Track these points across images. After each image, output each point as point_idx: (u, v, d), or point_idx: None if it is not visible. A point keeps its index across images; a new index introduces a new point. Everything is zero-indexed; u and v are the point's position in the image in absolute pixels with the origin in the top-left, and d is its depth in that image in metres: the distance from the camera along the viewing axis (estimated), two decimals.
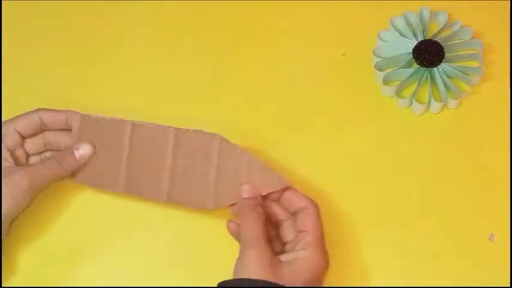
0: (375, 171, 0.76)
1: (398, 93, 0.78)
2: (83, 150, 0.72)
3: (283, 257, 0.64)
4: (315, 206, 0.68)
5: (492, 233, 0.73)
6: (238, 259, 0.64)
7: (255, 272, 0.61)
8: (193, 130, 0.70)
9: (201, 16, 0.84)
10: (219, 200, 0.70)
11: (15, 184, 0.67)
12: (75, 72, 0.82)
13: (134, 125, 0.72)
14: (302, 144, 0.77)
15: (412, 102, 0.78)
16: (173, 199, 0.71)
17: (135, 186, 0.72)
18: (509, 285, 0.70)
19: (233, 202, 0.69)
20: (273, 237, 0.69)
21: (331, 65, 0.81)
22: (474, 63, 0.79)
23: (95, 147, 0.72)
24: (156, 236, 0.74)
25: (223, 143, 0.70)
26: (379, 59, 0.80)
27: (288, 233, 0.69)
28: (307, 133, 0.78)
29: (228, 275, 0.64)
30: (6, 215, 0.67)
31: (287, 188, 0.69)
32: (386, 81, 0.79)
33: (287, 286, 0.61)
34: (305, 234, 0.66)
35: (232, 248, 0.67)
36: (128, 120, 0.72)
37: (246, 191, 0.68)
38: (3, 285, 0.70)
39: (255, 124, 0.79)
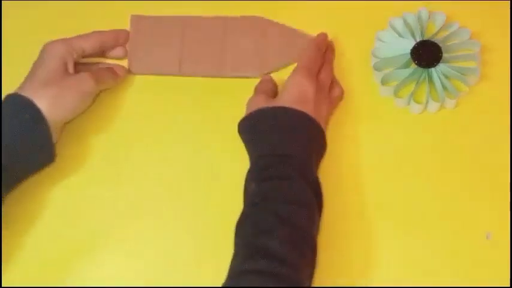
0: (373, 171, 0.76)
1: (396, 93, 0.79)
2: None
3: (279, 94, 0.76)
4: (314, 45, 0.80)
5: (489, 232, 0.73)
6: (248, 101, 0.77)
7: (260, 104, 0.74)
8: (241, 16, 0.82)
9: None
10: (263, 69, 0.80)
11: (84, 81, 0.75)
12: None
13: (186, 18, 0.82)
14: None
15: (410, 102, 0.79)
16: (224, 73, 0.80)
17: (190, 67, 0.81)
18: (509, 285, 0.71)
19: (275, 69, 0.80)
20: None
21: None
22: (471, 64, 0.80)
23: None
24: (157, 236, 0.75)
25: (268, 22, 0.81)
26: (378, 60, 0.80)
27: None
28: None
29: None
30: (70, 111, 0.75)
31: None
32: (384, 82, 0.79)
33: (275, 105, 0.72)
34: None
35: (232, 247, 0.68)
36: (179, 16, 0.82)
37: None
38: (3, 285, 0.71)
39: None
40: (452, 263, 0.72)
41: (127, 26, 0.83)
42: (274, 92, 0.78)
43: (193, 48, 0.81)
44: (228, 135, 0.77)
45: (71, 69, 0.76)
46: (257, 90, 0.78)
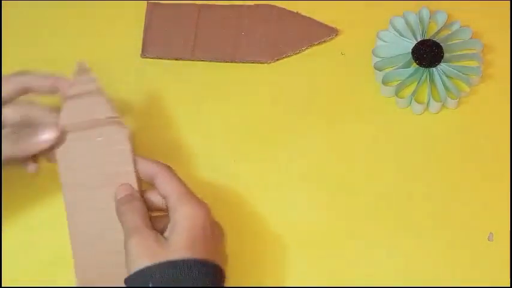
0: (374, 171, 0.76)
1: (397, 93, 0.78)
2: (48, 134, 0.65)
3: (167, 232, 0.61)
4: (165, 168, 0.64)
5: (491, 233, 0.73)
6: (126, 246, 0.61)
7: (139, 259, 0.59)
8: (254, 3, 0.83)
9: None
10: (276, 55, 0.81)
11: None
12: None
13: (201, 5, 0.83)
14: (301, 144, 0.77)
15: (411, 102, 0.78)
16: (236, 59, 0.81)
17: (203, 51, 0.81)
18: (509, 285, 0.70)
19: (289, 54, 0.81)
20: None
21: (331, 65, 0.81)
22: (473, 63, 0.79)
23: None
24: None
25: (281, 9, 0.83)
26: (379, 59, 0.80)
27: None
28: (306, 133, 0.78)
29: (227, 275, 0.64)
30: None
31: (137, 159, 0.65)
32: (385, 81, 0.79)
33: (175, 258, 0.58)
34: (168, 199, 0.62)
35: (232, 248, 0.68)
36: (194, 3, 0.83)
37: (119, 191, 0.64)
38: (3, 285, 0.71)
39: (254, 124, 0.79)
40: (452, 263, 0.72)
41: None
42: (148, 215, 0.63)
43: (206, 33, 0.82)
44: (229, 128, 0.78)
45: None
46: (129, 229, 0.61)
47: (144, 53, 0.82)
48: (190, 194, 0.63)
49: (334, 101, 0.79)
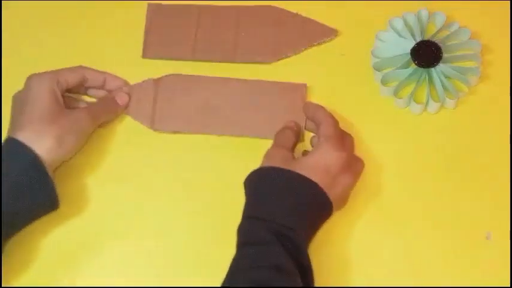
0: (373, 171, 0.76)
1: (396, 93, 0.79)
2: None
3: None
4: (330, 118, 0.74)
5: (489, 232, 0.73)
6: (266, 152, 0.74)
7: (271, 162, 0.71)
8: (254, 5, 0.84)
9: None
10: (276, 55, 0.82)
11: (79, 121, 0.73)
12: None
13: (201, 6, 0.84)
14: (301, 144, 0.78)
15: (410, 103, 0.79)
16: (236, 59, 0.81)
17: (203, 52, 0.82)
18: (509, 285, 0.71)
19: (289, 54, 0.81)
20: None
21: (330, 65, 0.82)
22: (472, 64, 0.80)
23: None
24: (158, 236, 0.75)
25: (281, 10, 0.83)
26: (378, 60, 0.80)
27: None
28: (306, 133, 0.78)
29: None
30: (69, 153, 0.73)
31: (317, 108, 0.76)
32: (384, 82, 0.79)
33: (291, 169, 0.69)
34: (320, 138, 0.73)
35: (232, 249, 0.68)
36: (195, 4, 0.84)
37: (288, 122, 0.77)
38: (3, 285, 0.71)
39: None
40: (452, 263, 0.72)
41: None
42: (295, 144, 0.76)
43: (207, 34, 0.83)
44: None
45: (61, 102, 0.74)
46: (276, 142, 0.75)
47: (145, 54, 0.83)
48: (337, 140, 0.72)
49: (334, 101, 0.79)
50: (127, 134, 0.79)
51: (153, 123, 0.78)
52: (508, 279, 0.71)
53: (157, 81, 0.80)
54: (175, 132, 0.79)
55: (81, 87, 0.79)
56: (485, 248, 0.73)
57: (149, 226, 0.75)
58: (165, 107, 0.79)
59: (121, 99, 0.79)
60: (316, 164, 0.70)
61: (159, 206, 0.76)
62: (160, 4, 0.85)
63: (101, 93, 0.80)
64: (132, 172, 0.78)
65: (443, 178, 0.76)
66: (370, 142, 0.77)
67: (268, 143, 0.75)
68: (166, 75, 0.80)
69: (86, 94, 0.81)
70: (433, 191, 0.75)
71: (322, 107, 0.76)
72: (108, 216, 0.75)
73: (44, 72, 0.75)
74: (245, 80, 0.80)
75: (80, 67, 0.78)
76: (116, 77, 0.80)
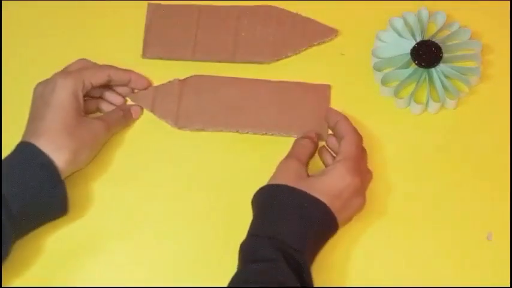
0: (373, 171, 0.76)
1: (396, 93, 0.78)
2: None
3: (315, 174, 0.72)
4: (353, 134, 0.73)
5: (490, 232, 0.73)
6: (279, 163, 0.72)
7: (283, 177, 0.70)
8: (254, 5, 0.84)
9: None
10: (276, 55, 0.82)
11: (96, 133, 0.74)
12: None
13: (201, 6, 0.84)
14: None
15: (410, 103, 0.78)
16: (236, 59, 0.81)
17: (203, 52, 0.82)
18: (509, 285, 0.71)
19: (289, 54, 0.82)
20: None
21: (330, 65, 0.82)
22: (472, 64, 0.80)
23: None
24: (158, 236, 0.75)
25: (281, 10, 0.83)
26: (378, 60, 0.80)
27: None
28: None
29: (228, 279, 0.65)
30: (83, 164, 0.74)
31: (340, 118, 0.75)
32: (384, 82, 0.79)
33: (301, 188, 0.68)
34: (338, 154, 0.72)
35: (232, 251, 0.68)
36: (195, 4, 0.84)
37: (308, 132, 0.76)
38: (3, 285, 0.71)
39: None
40: (452, 263, 0.72)
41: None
42: (312, 154, 0.75)
43: (207, 34, 0.83)
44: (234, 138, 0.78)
45: (82, 105, 0.74)
46: (292, 153, 0.74)
47: (145, 54, 0.83)
48: (355, 162, 0.71)
49: (334, 101, 0.80)
50: (131, 136, 0.80)
51: (178, 120, 0.79)
52: (508, 279, 0.71)
53: (183, 81, 0.80)
54: (199, 129, 0.79)
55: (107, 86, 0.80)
56: (485, 248, 0.73)
57: (153, 227, 0.75)
58: (190, 105, 0.79)
59: (135, 112, 0.80)
60: (329, 187, 0.69)
61: (163, 207, 0.76)
62: (160, 4, 0.85)
63: (118, 100, 0.80)
64: (136, 173, 0.78)
65: (443, 178, 0.76)
66: (370, 142, 0.77)
67: (290, 142, 0.75)
68: (191, 76, 0.81)
69: (101, 97, 0.80)
70: (433, 191, 0.75)
71: (345, 117, 0.75)
72: (110, 217, 0.75)
73: (70, 73, 0.75)
74: (269, 81, 0.80)
75: (107, 66, 0.79)
76: (141, 76, 0.80)
